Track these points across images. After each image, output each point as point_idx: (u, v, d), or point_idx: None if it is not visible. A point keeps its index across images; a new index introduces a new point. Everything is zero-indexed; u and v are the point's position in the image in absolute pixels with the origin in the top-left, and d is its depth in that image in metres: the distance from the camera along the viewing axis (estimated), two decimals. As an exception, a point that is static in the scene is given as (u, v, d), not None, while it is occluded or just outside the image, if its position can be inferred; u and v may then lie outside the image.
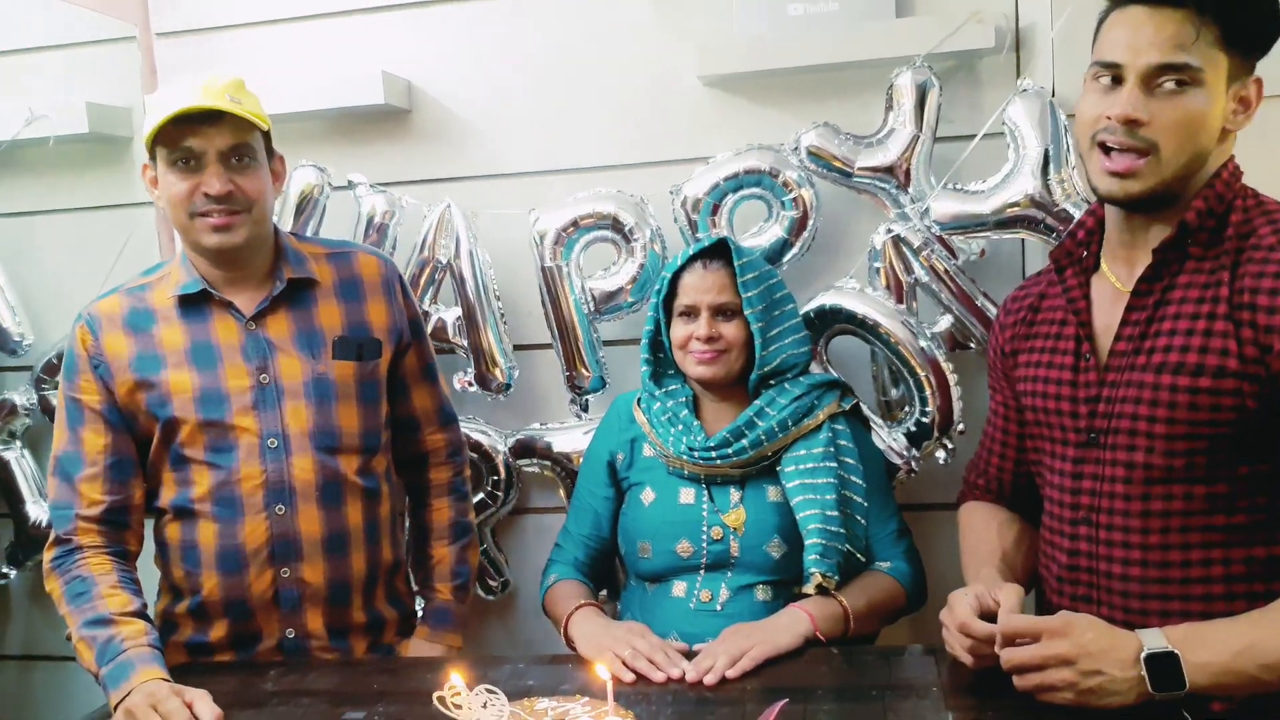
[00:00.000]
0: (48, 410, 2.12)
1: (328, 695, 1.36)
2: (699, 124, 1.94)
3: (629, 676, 1.31)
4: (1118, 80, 1.18)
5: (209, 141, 1.42)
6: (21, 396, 2.13)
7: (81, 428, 1.50)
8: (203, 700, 1.27)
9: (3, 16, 2.04)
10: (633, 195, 1.86)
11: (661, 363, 1.65)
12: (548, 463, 1.94)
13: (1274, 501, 1.14)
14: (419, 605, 1.69)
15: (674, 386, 1.63)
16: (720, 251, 1.57)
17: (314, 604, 1.52)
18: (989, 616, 1.18)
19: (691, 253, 1.57)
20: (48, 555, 1.49)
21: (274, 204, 1.56)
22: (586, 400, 1.94)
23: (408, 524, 1.73)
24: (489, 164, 2.01)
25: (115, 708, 1.30)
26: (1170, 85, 1.15)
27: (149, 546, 1.58)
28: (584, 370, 1.90)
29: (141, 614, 1.43)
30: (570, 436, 1.93)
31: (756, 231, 1.83)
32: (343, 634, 1.55)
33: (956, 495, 1.57)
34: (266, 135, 1.51)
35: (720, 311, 1.54)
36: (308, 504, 1.49)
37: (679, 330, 1.57)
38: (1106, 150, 1.19)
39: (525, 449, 1.95)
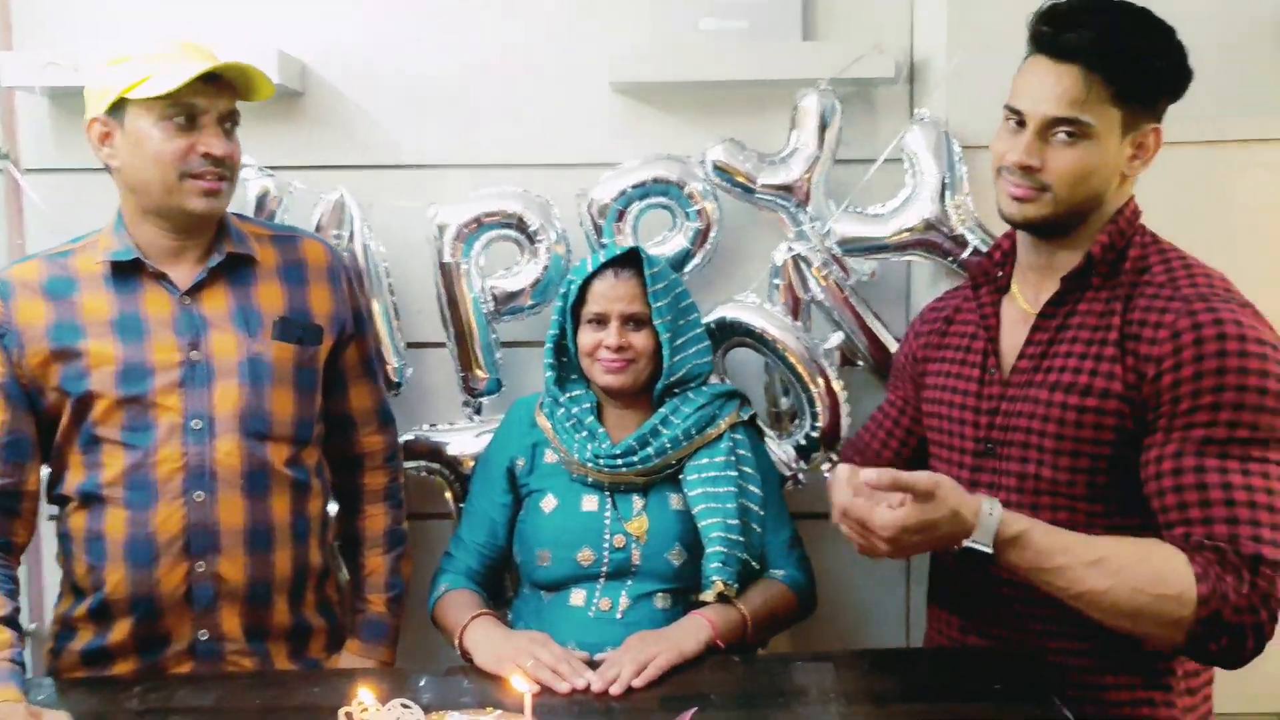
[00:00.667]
0: None
1: (206, 714, 1.27)
2: (607, 129, 1.94)
3: (535, 688, 1.29)
4: (1021, 124, 1.27)
5: (212, 103, 1.37)
6: None
7: None
8: None
9: None
10: (538, 196, 1.84)
11: (565, 367, 1.64)
12: (436, 466, 1.89)
13: (1142, 522, 1.23)
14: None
15: (578, 392, 1.62)
16: (631, 260, 1.57)
17: (231, 602, 1.43)
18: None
19: (603, 260, 1.57)
20: None
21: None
22: (480, 403, 1.90)
23: (338, 532, 1.65)
24: (386, 154, 1.95)
25: None
26: (1062, 136, 1.24)
27: (51, 543, 1.46)
28: (480, 371, 1.86)
29: (10, 620, 1.31)
30: (462, 439, 1.88)
31: (660, 240, 1.84)
32: (261, 637, 1.46)
33: (828, 471, 1.67)
34: None
35: (630, 320, 1.55)
36: (230, 492, 1.41)
37: (587, 337, 1.56)
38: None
39: (413, 451, 1.89)
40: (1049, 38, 1.25)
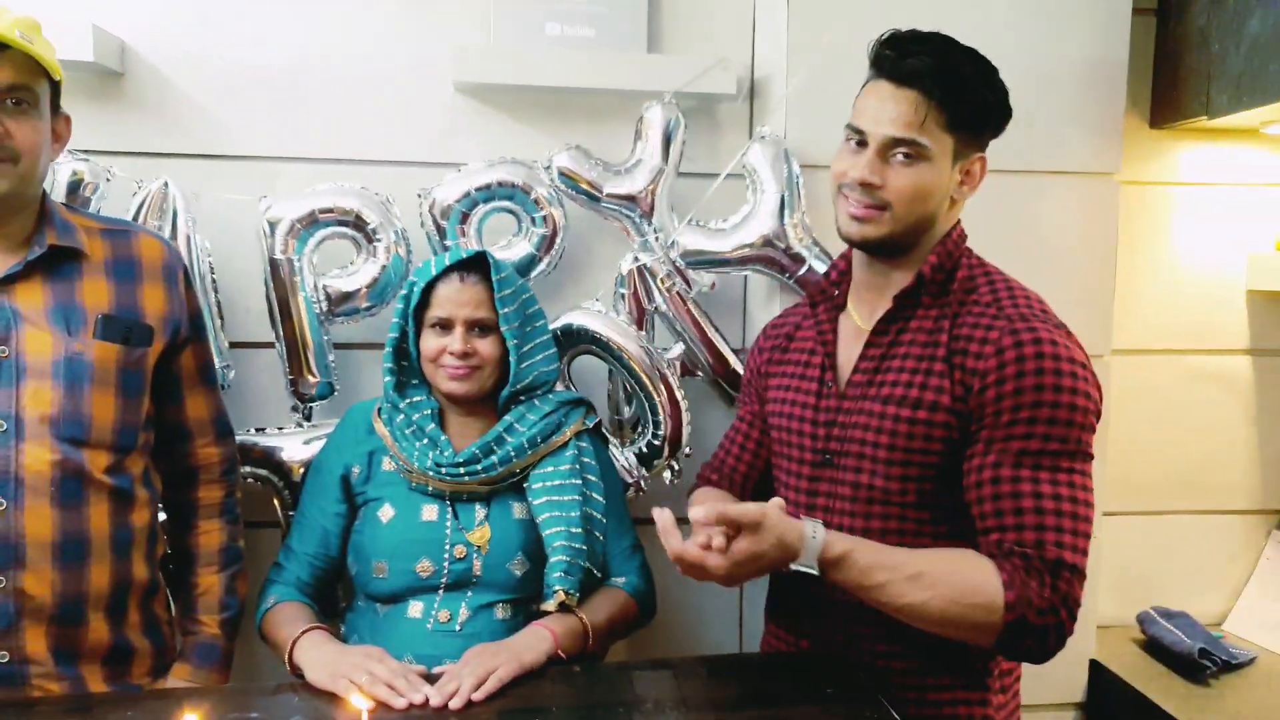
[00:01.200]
0: None
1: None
2: (449, 129, 1.90)
3: (370, 705, 1.25)
4: (863, 144, 1.33)
5: None
6: None
7: None
8: None
9: None
10: (378, 193, 1.79)
11: (405, 371, 1.60)
12: (264, 472, 1.80)
13: (965, 528, 1.32)
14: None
15: (418, 398, 1.58)
16: (477, 264, 1.54)
17: (36, 621, 1.31)
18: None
19: (448, 263, 1.53)
20: None
21: (48, 165, 1.37)
22: (311, 408, 1.82)
23: (168, 548, 1.54)
24: (214, 142, 1.84)
25: None
26: (901, 157, 1.31)
27: None
28: (310, 375, 1.78)
29: None
30: (291, 445, 1.80)
31: (505, 245, 1.82)
32: (73, 660, 1.34)
33: (686, 492, 1.67)
34: (55, 87, 1.33)
35: (475, 326, 1.52)
36: (38, 500, 1.29)
37: (431, 342, 1.52)
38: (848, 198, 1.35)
39: (240, 456, 1.79)
40: (891, 62, 1.31)
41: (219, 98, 1.84)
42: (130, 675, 1.42)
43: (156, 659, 1.46)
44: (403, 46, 1.87)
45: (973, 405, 1.29)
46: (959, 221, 1.41)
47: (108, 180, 1.72)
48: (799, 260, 1.81)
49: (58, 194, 1.68)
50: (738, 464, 1.60)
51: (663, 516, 1.24)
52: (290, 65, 1.85)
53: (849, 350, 1.42)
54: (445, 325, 1.52)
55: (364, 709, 1.22)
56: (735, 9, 1.95)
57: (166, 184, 1.72)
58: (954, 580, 1.23)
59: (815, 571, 1.23)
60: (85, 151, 1.72)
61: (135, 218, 1.69)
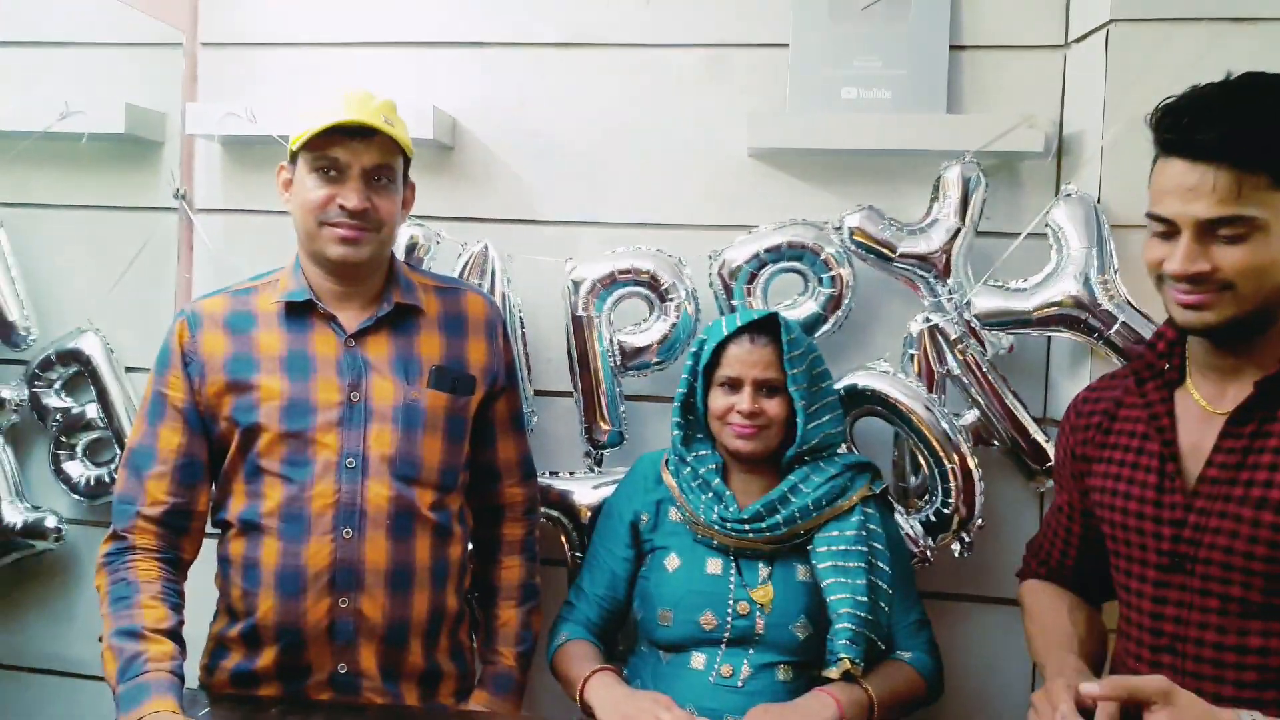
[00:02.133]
0: (37, 408, 2.05)
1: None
2: (741, 193, 1.95)
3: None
4: (1172, 233, 1.16)
5: (355, 156, 1.43)
6: (12, 392, 2.05)
7: (161, 423, 1.48)
8: None
9: (53, 7, 2.00)
10: (671, 255, 1.87)
11: (691, 425, 1.64)
12: (555, 513, 1.91)
13: None
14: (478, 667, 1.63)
15: (704, 452, 1.62)
16: (767, 326, 1.57)
17: (369, 639, 1.46)
18: (1085, 713, 1.09)
19: (740, 324, 1.57)
20: (102, 549, 1.46)
21: (398, 230, 1.57)
22: (602, 454, 1.91)
23: (474, 580, 1.67)
24: (526, 208, 2.01)
25: None
26: (1227, 234, 1.12)
27: (211, 564, 1.53)
28: (604, 424, 1.88)
29: (174, 633, 1.39)
30: (582, 489, 1.90)
31: (791, 304, 1.84)
32: (395, 677, 1.49)
33: (1016, 571, 1.55)
34: (406, 161, 1.52)
35: (763, 386, 1.54)
36: (376, 531, 1.45)
37: (720, 400, 1.56)
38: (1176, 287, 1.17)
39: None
40: (1180, 140, 1.13)
41: (533, 168, 2.01)
42: (438, 695, 1.54)
43: (460, 682, 1.58)
44: (699, 115, 1.96)
45: None
46: None
47: (438, 243, 1.92)
48: (1110, 320, 1.67)
49: (396, 254, 1.89)
50: (1064, 558, 1.45)
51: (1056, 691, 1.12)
52: (595, 137, 1.98)
53: (1193, 435, 1.23)
54: (734, 384, 1.55)
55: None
56: (1042, 66, 1.87)
57: (486, 246, 1.89)
58: None
59: None
60: (420, 217, 1.93)
61: (460, 276, 1.87)
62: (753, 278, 1.82)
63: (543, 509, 1.90)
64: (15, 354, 2.06)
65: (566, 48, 1.99)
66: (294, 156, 1.47)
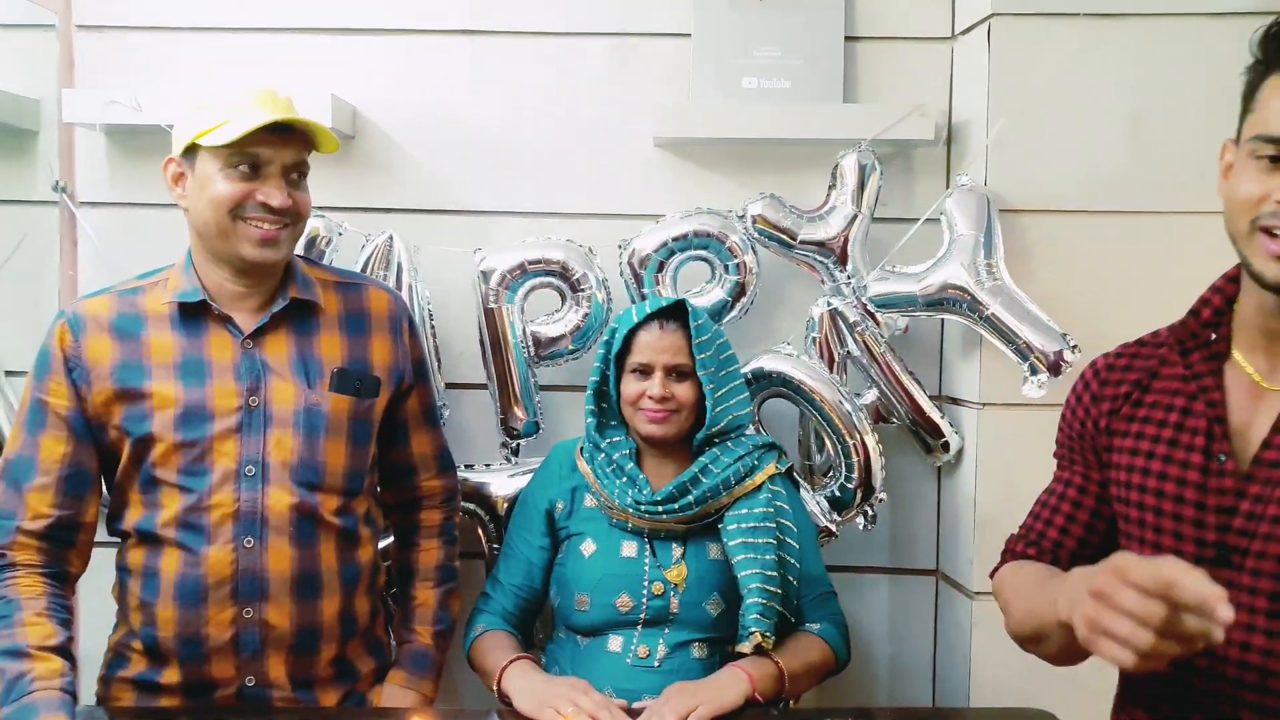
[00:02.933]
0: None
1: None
2: (648, 182, 1.98)
3: (575, 734, 1.30)
4: None
5: (277, 153, 1.39)
6: (-114, 398, 1.94)
7: (41, 432, 1.40)
8: None
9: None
10: (581, 245, 1.88)
11: (604, 413, 1.66)
12: (472, 506, 1.91)
13: None
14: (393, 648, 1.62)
15: (617, 438, 1.64)
16: (675, 312, 1.60)
17: (277, 649, 1.43)
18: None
19: (649, 311, 1.60)
20: None
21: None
22: (518, 444, 1.92)
23: (392, 564, 1.66)
24: (433, 199, 1.99)
25: None
26: None
27: (109, 574, 1.48)
28: (520, 413, 1.89)
29: (63, 649, 1.33)
30: (498, 480, 1.90)
31: (699, 292, 1.88)
32: (308, 684, 1.47)
33: (990, 571, 1.34)
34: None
35: (673, 371, 1.57)
36: (279, 539, 1.42)
37: (631, 387, 1.59)
38: (1271, 234, 1.02)
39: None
40: None
41: (439, 157, 1.99)
42: (356, 687, 1.54)
43: (379, 673, 1.57)
44: (605, 106, 1.97)
45: None
46: None
47: (340, 235, 1.90)
48: (989, 302, 1.75)
49: (297, 248, 1.86)
50: (1063, 538, 1.26)
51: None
52: (502, 127, 1.98)
53: (1244, 413, 1.10)
54: (645, 370, 1.58)
55: (571, 737, 1.27)
56: (932, 57, 1.95)
57: (391, 237, 1.87)
58: None
59: None
60: (321, 209, 1.89)
61: (364, 269, 1.85)
62: (662, 266, 1.85)
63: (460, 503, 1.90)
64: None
65: (472, 35, 1.97)
66: (190, 150, 1.40)
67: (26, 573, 1.37)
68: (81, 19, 1.98)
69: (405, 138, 1.99)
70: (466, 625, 1.65)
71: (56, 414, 1.41)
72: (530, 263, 1.85)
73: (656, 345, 1.57)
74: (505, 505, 1.87)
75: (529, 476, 1.77)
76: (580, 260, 1.85)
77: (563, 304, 1.89)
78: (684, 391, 1.57)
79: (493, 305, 1.84)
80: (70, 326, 1.42)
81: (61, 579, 1.41)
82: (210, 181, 1.39)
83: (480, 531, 1.92)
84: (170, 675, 1.43)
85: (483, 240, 1.93)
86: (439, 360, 1.90)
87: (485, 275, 1.85)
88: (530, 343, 1.87)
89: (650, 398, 1.56)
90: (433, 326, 1.89)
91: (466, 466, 1.92)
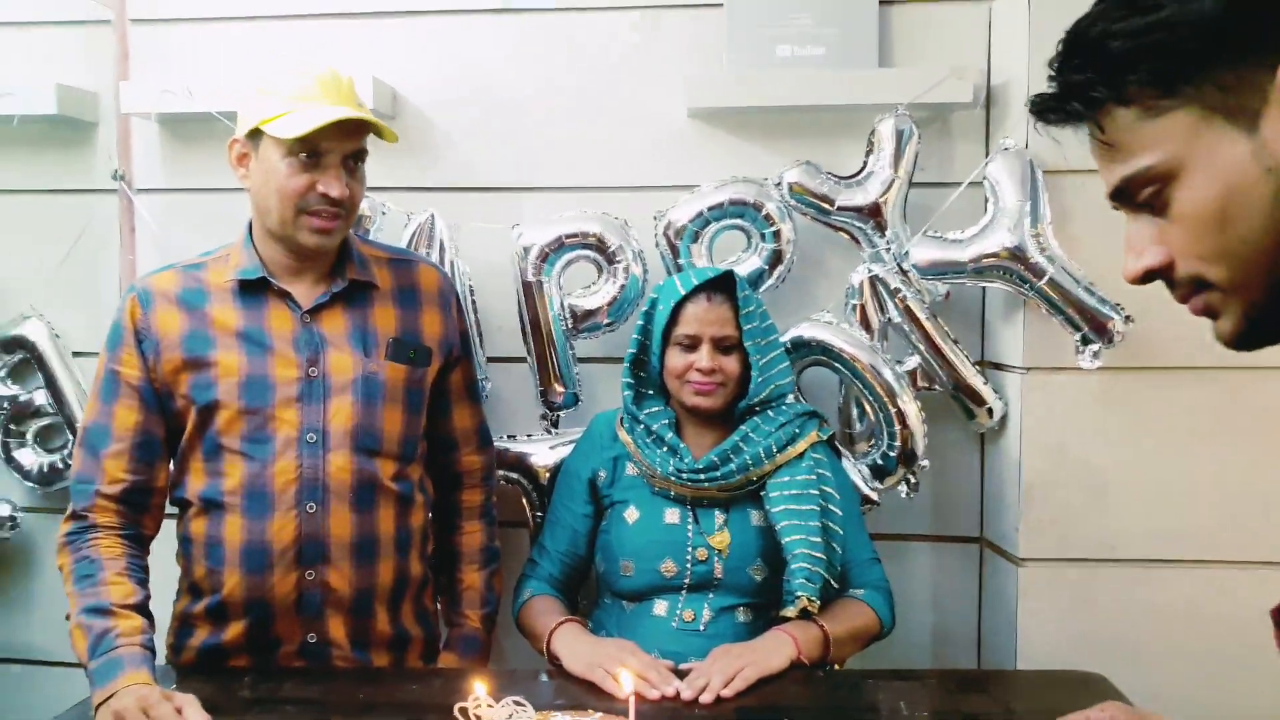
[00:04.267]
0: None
1: (312, 705, 1.33)
2: (681, 153, 1.98)
3: (637, 689, 1.32)
4: None
5: (339, 145, 1.43)
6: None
7: (115, 402, 1.47)
8: (191, 705, 1.24)
9: (-26, -11, 1.96)
10: (617, 218, 1.89)
11: (642, 382, 1.68)
12: (515, 475, 1.94)
13: None
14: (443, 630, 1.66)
15: (655, 408, 1.66)
16: (721, 284, 1.60)
17: (337, 610, 1.49)
18: None
19: (695, 283, 1.60)
20: (63, 529, 1.46)
21: None
22: (558, 416, 1.95)
23: (434, 547, 1.69)
24: (471, 177, 2.02)
25: (98, 706, 1.26)
26: None
27: (171, 543, 1.53)
28: (559, 386, 1.91)
29: (141, 607, 1.40)
30: (539, 450, 1.93)
31: (735, 261, 1.88)
32: (364, 645, 1.52)
33: None
34: None
35: (719, 343, 1.58)
36: (340, 504, 1.47)
37: (677, 359, 1.59)
38: None
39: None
40: None
41: (474, 136, 2.01)
42: (406, 660, 1.58)
43: (427, 646, 1.62)
44: (638, 79, 1.98)
45: None
46: None
47: (383, 214, 1.93)
48: (1039, 272, 1.74)
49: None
50: None
51: None
52: (537, 104, 2.00)
53: None
54: (692, 342, 1.58)
55: (631, 694, 1.28)
56: (969, 19, 1.93)
57: (433, 216, 1.90)
58: None
59: None
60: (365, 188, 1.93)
61: (408, 246, 1.88)
62: (697, 236, 1.86)
63: (502, 472, 1.93)
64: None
65: (502, 14, 1.99)
66: (254, 132, 1.44)
67: (106, 534, 1.44)
68: (135, 13, 2.03)
69: (443, 118, 2.02)
70: (515, 590, 1.68)
71: (128, 384, 1.47)
72: (567, 236, 1.87)
73: (704, 318, 1.57)
74: (548, 475, 1.89)
75: (570, 447, 1.80)
76: (616, 232, 1.87)
77: (599, 276, 1.90)
78: (731, 364, 1.58)
79: (531, 279, 1.87)
80: (140, 300, 1.49)
81: (138, 540, 1.48)
82: (274, 170, 1.43)
83: (524, 500, 1.95)
84: (234, 633, 1.48)
85: (520, 216, 1.94)
86: (480, 335, 1.93)
87: (524, 250, 1.87)
88: (568, 315, 1.89)
89: (699, 370, 1.57)
90: (474, 302, 1.92)
91: (509, 437, 1.95)
